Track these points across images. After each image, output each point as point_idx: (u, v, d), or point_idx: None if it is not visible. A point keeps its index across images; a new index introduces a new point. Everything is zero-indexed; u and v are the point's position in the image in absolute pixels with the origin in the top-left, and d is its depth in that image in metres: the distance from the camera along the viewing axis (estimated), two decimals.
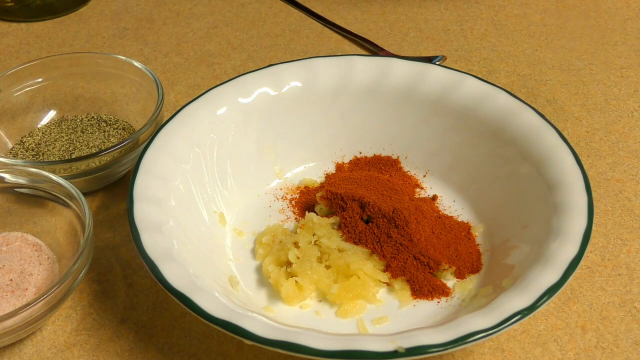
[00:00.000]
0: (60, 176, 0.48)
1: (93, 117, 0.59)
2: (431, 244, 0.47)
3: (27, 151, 0.55)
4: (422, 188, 0.53)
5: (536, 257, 0.42)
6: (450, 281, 0.47)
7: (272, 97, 0.53)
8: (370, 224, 0.48)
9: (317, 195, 0.51)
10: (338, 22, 0.73)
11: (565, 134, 0.54)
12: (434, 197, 0.52)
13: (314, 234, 0.48)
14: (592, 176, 0.54)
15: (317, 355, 0.37)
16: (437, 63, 0.61)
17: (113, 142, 0.55)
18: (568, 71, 0.66)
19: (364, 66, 0.54)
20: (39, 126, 0.58)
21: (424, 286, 0.46)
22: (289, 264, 0.47)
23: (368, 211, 0.48)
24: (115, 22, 0.73)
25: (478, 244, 0.49)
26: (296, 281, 0.45)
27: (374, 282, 0.46)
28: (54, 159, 0.54)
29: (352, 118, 0.55)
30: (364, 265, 0.46)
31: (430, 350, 0.37)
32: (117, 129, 0.57)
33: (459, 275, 0.47)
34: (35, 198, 0.49)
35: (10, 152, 0.56)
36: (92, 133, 0.57)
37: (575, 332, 0.45)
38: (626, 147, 0.58)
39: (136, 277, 0.49)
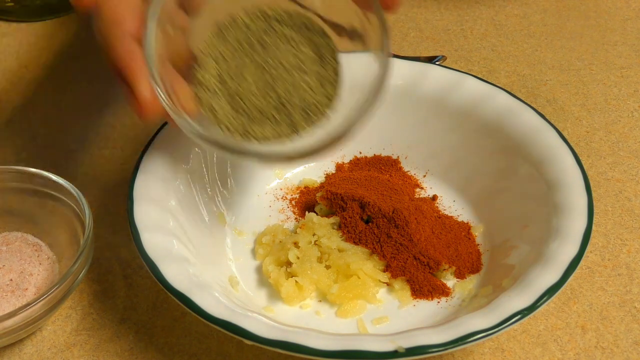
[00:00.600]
0: None
1: None
2: (431, 244, 0.47)
3: None
4: (422, 188, 0.53)
5: (536, 257, 0.42)
6: (450, 281, 0.47)
7: None
8: (370, 224, 0.48)
9: (317, 195, 0.51)
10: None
11: (565, 134, 0.54)
12: (434, 197, 0.52)
13: (314, 234, 0.48)
14: (592, 176, 0.54)
15: (317, 355, 0.37)
16: (437, 63, 0.61)
17: None
18: (568, 71, 0.66)
19: None
20: None
21: (424, 286, 0.46)
22: (289, 264, 0.47)
23: (368, 211, 0.48)
24: None
25: (478, 244, 0.49)
26: (296, 281, 0.45)
27: (374, 282, 0.46)
28: None
29: None
30: (364, 265, 0.46)
31: (430, 350, 0.37)
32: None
33: (459, 275, 0.47)
34: (35, 198, 0.49)
35: None
36: None
37: (575, 332, 0.45)
38: (626, 147, 0.58)
39: (136, 277, 0.49)
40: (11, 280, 0.45)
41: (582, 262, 0.41)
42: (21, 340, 0.45)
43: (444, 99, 0.53)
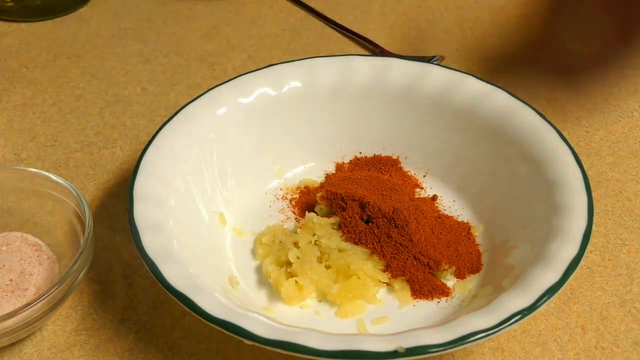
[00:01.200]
0: None
1: None
2: (431, 244, 0.47)
3: None
4: (422, 188, 0.53)
5: (536, 257, 0.42)
6: (450, 281, 0.47)
7: (272, 97, 0.53)
8: (370, 224, 0.48)
9: (317, 195, 0.51)
10: (338, 22, 0.73)
11: (565, 134, 0.54)
12: (434, 197, 0.52)
13: (314, 234, 0.48)
14: (592, 176, 0.54)
15: (317, 355, 0.37)
16: (435, 63, 0.61)
17: None
18: (568, 71, 0.66)
19: (364, 66, 0.54)
20: None
21: (424, 286, 0.46)
22: (289, 264, 0.47)
23: (368, 211, 0.48)
24: (115, 22, 0.73)
25: (478, 244, 0.49)
26: (296, 281, 0.45)
27: (374, 282, 0.46)
28: None
29: (352, 118, 0.55)
30: (364, 265, 0.46)
31: (430, 350, 0.37)
32: None
33: (459, 275, 0.47)
34: (35, 198, 0.49)
35: None
36: None
37: (575, 332, 0.45)
38: (626, 147, 0.58)
39: (136, 277, 0.49)
40: (11, 280, 0.45)
41: (582, 262, 0.41)
42: (21, 340, 0.45)
43: (444, 99, 0.53)
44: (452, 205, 0.52)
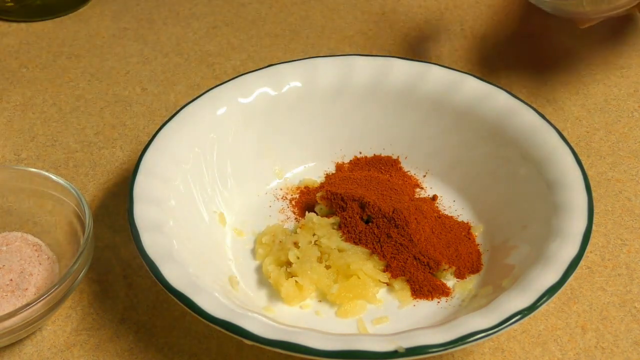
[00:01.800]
0: None
1: None
2: (431, 244, 0.47)
3: None
4: (422, 188, 0.53)
5: (536, 257, 0.42)
6: (450, 281, 0.47)
7: (272, 97, 0.53)
8: (370, 224, 0.48)
9: (317, 195, 0.51)
10: (337, 22, 0.73)
11: (565, 134, 0.54)
12: (434, 197, 0.52)
13: (314, 234, 0.48)
14: (592, 176, 0.54)
15: (317, 355, 0.37)
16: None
17: None
18: (568, 71, 0.66)
19: (364, 66, 0.54)
20: None
21: (424, 286, 0.46)
22: (289, 264, 0.47)
23: (368, 211, 0.48)
24: (115, 22, 0.73)
25: (478, 244, 0.49)
26: (296, 281, 0.45)
27: (374, 282, 0.46)
28: None
29: (352, 118, 0.55)
30: (364, 265, 0.46)
31: (430, 350, 0.37)
32: None
33: (459, 275, 0.47)
34: (35, 198, 0.49)
35: None
36: None
37: (575, 332, 0.45)
38: (626, 147, 0.58)
39: (136, 277, 0.49)
40: (11, 280, 0.45)
41: (582, 262, 0.41)
42: (21, 340, 0.45)
43: (444, 99, 0.53)
44: (452, 205, 0.52)
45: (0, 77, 0.66)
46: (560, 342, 0.44)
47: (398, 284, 0.46)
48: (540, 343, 0.44)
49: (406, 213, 0.47)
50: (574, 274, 0.40)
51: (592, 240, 0.49)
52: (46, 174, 0.48)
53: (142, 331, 0.45)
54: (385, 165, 0.54)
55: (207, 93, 0.52)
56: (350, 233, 0.48)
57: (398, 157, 0.55)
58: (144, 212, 0.44)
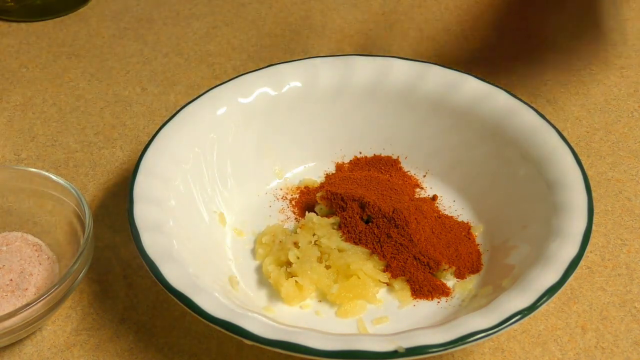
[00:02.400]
0: None
1: None
2: (431, 244, 0.47)
3: None
4: (422, 188, 0.53)
5: (536, 257, 0.42)
6: (450, 281, 0.47)
7: (272, 97, 0.53)
8: (370, 224, 0.48)
9: (317, 195, 0.51)
10: (337, 22, 0.73)
11: (565, 134, 0.54)
12: (434, 197, 0.52)
13: (314, 234, 0.48)
14: (592, 176, 0.54)
15: (317, 355, 0.37)
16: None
17: None
18: (568, 71, 0.66)
19: (364, 66, 0.54)
20: None
21: (424, 286, 0.46)
22: (289, 264, 0.47)
23: (368, 211, 0.48)
24: (115, 22, 0.73)
25: (478, 244, 0.49)
26: (296, 281, 0.45)
27: (374, 282, 0.46)
28: None
29: (352, 118, 0.55)
30: (364, 265, 0.46)
31: (430, 350, 0.37)
32: None
33: (459, 275, 0.47)
34: (35, 198, 0.49)
35: None
36: None
37: (575, 332, 0.45)
38: (626, 147, 0.58)
39: (136, 277, 0.49)
40: (11, 280, 0.45)
41: (582, 262, 0.41)
42: (21, 340, 0.45)
43: (444, 99, 0.53)
44: (452, 205, 0.52)
45: (0, 77, 0.66)
46: (560, 342, 0.44)
47: (398, 284, 0.46)
48: (540, 343, 0.44)
49: (406, 213, 0.47)
50: (574, 274, 0.40)
51: (592, 240, 0.49)
52: (46, 174, 0.48)
53: (142, 331, 0.45)
54: (385, 165, 0.54)
55: (207, 93, 0.52)
56: (350, 233, 0.48)
57: (398, 157, 0.55)
58: (144, 212, 0.44)
